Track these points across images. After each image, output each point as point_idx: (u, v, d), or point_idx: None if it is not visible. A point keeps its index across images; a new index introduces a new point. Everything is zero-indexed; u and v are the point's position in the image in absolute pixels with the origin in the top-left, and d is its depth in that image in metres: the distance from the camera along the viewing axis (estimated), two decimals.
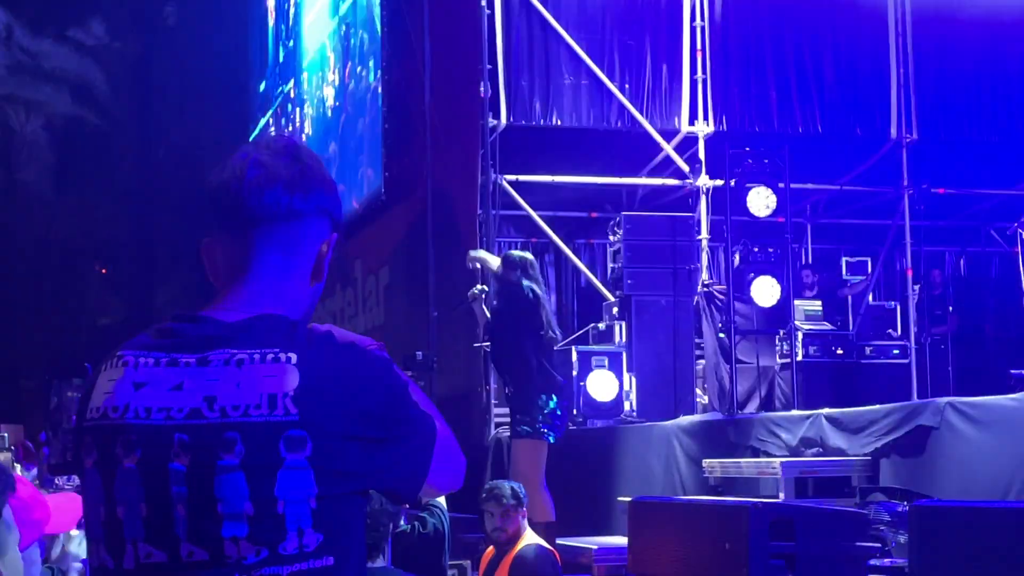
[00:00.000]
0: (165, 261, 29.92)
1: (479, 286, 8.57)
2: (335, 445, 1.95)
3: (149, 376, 2.01)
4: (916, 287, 13.05)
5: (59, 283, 30.54)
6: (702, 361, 12.33)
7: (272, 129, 21.73)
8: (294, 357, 1.97)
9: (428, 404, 2.14)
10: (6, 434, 8.18)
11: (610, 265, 12.92)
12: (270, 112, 22.19)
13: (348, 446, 1.96)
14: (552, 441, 8.00)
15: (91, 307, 31.26)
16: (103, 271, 32.17)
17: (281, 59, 21.62)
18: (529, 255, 8.71)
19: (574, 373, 11.23)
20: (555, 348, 8.57)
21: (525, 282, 8.06)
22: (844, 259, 14.26)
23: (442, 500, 6.76)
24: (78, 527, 3.80)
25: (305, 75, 19.76)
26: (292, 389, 1.94)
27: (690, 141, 13.08)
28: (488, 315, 8.40)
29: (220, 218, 2.12)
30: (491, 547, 6.63)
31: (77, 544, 3.88)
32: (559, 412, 8.08)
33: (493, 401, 11.91)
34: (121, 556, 1.98)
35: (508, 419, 8.52)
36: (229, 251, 2.12)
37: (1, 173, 31.08)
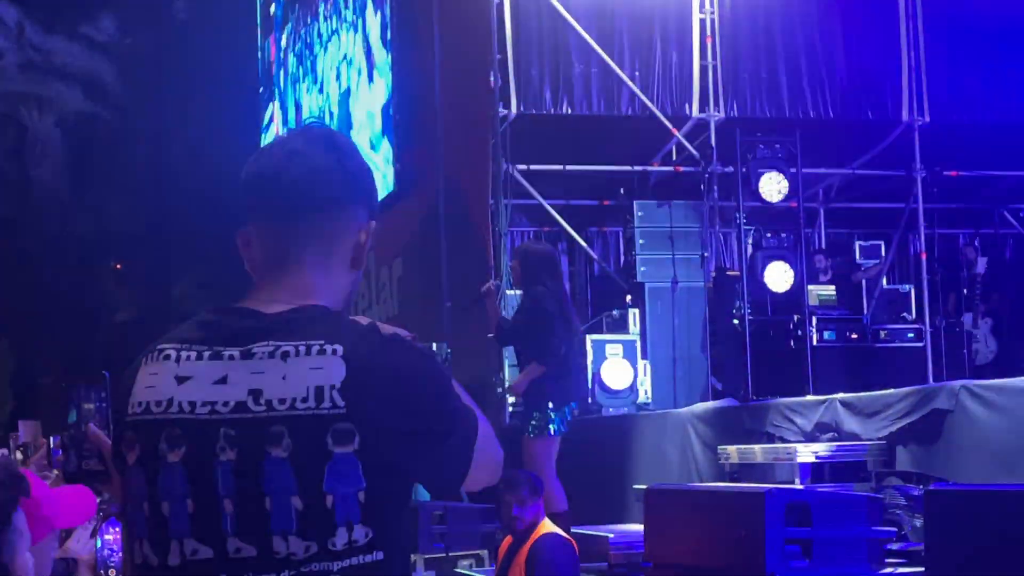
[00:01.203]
0: (180, 256, 29.96)
1: (492, 281, 8.52)
2: (382, 438, 1.92)
3: (192, 370, 1.98)
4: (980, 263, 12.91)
5: (75, 280, 30.62)
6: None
7: (277, 123, 21.75)
8: (340, 349, 1.94)
9: (467, 398, 2.13)
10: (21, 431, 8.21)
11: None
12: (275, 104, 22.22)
13: (395, 439, 1.94)
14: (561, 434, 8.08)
15: (107, 303, 31.34)
16: (118, 267, 32.24)
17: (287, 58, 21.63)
18: (547, 249, 8.69)
19: (588, 361, 11.23)
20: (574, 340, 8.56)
21: (549, 303, 8.00)
22: (857, 243, 14.22)
23: None
24: (89, 521, 3.81)
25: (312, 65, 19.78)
26: (339, 381, 1.92)
27: (701, 127, 13.05)
28: (500, 312, 8.37)
29: (257, 207, 2.10)
30: (508, 536, 6.64)
31: (89, 536, 3.90)
32: (575, 409, 8.12)
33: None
34: (166, 553, 1.95)
35: (519, 408, 8.52)
36: (267, 241, 2.09)
37: (15, 170, 31.14)
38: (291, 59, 21.48)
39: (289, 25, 21.65)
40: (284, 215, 2.07)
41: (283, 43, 22.12)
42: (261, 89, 23.57)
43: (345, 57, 18.05)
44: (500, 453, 2.21)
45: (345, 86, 18.02)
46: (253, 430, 1.92)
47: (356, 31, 17.46)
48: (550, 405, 7.94)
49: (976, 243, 14.17)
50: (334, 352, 1.94)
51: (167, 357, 2.00)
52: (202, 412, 1.94)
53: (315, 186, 2.06)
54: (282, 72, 22.11)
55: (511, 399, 11.36)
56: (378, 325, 2.06)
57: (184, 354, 2.00)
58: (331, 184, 2.07)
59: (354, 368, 1.93)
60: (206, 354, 1.99)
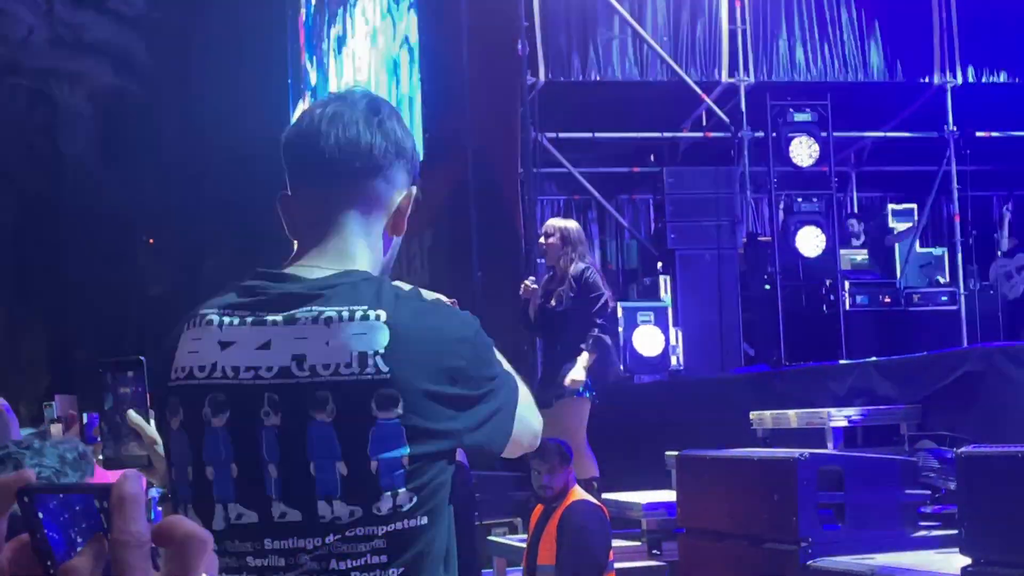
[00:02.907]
0: (212, 230, 30.06)
1: (531, 281, 8.47)
2: (425, 403, 1.93)
3: (235, 335, 1.98)
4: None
5: (107, 254, 30.77)
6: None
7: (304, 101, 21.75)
8: (383, 315, 1.95)
9: (507, 365, 2.14)
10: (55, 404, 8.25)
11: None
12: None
13: (438, 404, 1.94)
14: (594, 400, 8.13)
15: (140, 278, 31.49)
16: (151, 241, 32.38)
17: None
18: (578, 225, 8.69)
19: (620, 329, 11.21)
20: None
21: (600, 282, 8.10)
22: (890, 206, 14.14)
23: None
24: None
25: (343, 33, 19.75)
26: (382, 347, 1.92)
27: (731, 92, 12.97)
28: (534, 309, 8.35)
29: (298, 172, 2.10)
30: (540, 504, 6.65)
31: None
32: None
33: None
34: (211, 517, 1.96)
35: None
36: (308, 206, 2.09)
37: (46, 146, 31.29)
38: (318, 28, 21.47)
39: None
40: (325, 179, 2.08)
41: (312, 8, 22.11)
42: (290, 66, 23.56)
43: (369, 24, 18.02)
44: (539, 420, 2.23)
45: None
46: (297, 395, 1.93)
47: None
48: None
49: (1009, 206, 14.07)
50: (377, 318, 1.95)
51: (210, 322, 2.01)
52: (246, 377, 1.95)
53: (356, 150, 2.06)
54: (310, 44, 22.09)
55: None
56: (420, 291, 2.06)
57: (227, 319, 2.00)
58: (372, 148, 2.08)
59: (397, 334, 1.94)
60: (249, 319, 1.99)
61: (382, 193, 2.10)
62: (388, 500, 1.92)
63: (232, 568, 1.96)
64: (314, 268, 2.04)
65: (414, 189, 2.15)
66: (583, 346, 8.01)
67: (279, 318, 1.97)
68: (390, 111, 2.14)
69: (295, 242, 2.14)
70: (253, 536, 1.94)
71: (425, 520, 1.96)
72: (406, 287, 2.07)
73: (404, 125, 2.16)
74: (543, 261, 8.51)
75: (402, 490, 1.92)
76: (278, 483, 1.93)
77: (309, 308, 1.97)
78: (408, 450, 1.92)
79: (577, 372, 7.98)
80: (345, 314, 1.95)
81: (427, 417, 1.94)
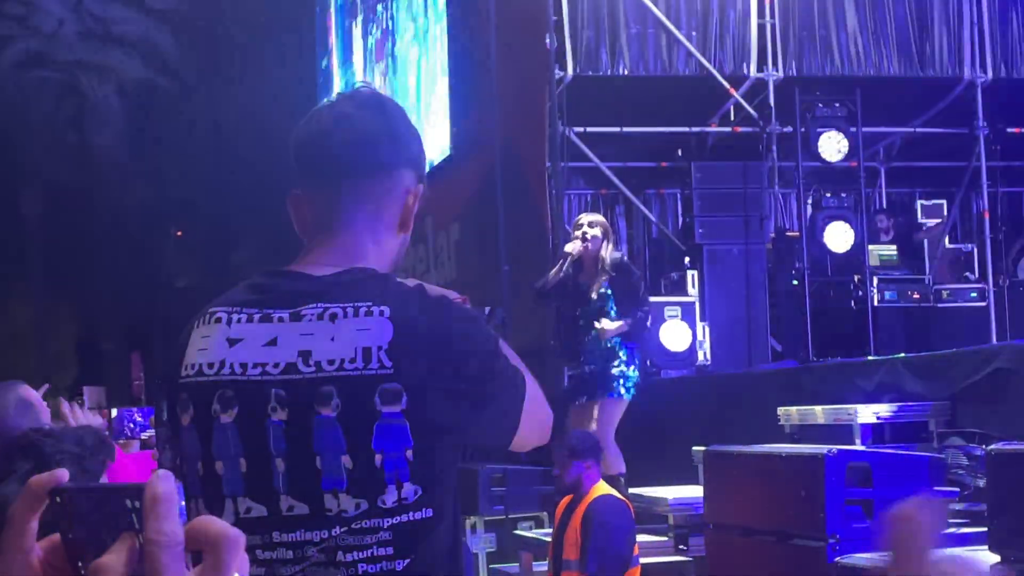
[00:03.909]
0: (240, 222, 30.16)
1: (575, 244, 8.38)
2: (429, 397, 1.95)
3: (243, 332, 2.01)
4: None
5: (135, 247, 30.91)
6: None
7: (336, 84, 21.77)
8: (387, 310, 1.97)
9: (515, 359, 2.15)
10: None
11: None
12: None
13: (442, 398, 1.97)
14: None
15: (167, 270, 31.62)
16: (178, 234, 32.51)
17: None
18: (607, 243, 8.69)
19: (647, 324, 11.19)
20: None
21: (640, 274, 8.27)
22: (919, 202, 14.07)
23: None
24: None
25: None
26: (386, 342, 1.95)
27: (759, 87, 12.92)
28: (564, 270, 8.31)
29: (306, 171, 2.13)
30: (565, 498, 6.65)
31: None
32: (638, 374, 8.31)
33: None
34: (221, 511, 1.99)
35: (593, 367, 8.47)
36: (316, 204, 2.12)
37: (75, 139, 31.45)
38: (348, 23, 21.49)
39: None
40: (332, 179, 2.11)
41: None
42: (319, 54, 23.59)
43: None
44: (549, 415, 2.25)
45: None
46: (303, 390, 1.95)
47: None
48: (634, 373, 8.15)
49: None
50: (381, 313, 1.97)
51: (218, 320, 2.05)
52: (253, 373, 1.99)
53: (363, 150, 2.09)
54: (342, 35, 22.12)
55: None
56: (425, 287, 2.09)
57: (235, 316, 2.04)
58: (379, 148, 2.10)
59: (401, 329, 1.96)
60: (256, 316, 2.03)
61: (390, 191, 2.12)
62: (393, 493, 1.94)
63: None
64: (321, 265, 2.07)
65: (421, 188, 2.17)
66: (626, 320, 8.07)
67: (285, 315, 2.01)
68: (397, 111, 2.17)
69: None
70: (262, 529, 1.97)
71: (431, 512, 1.98)
72: (411, 283, 2.09)
73: (411, 125, 2.19)
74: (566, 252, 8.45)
75: (407, 483, 1.95)
76: (285, 477, 1.96)
77: (315, 305, 2.00)
78: (412, 443, 1.94)
79: (612, 327, 8.03)
80: (350, 310, 1.98)
81: (431, 411, 1.96)
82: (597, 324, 8.01)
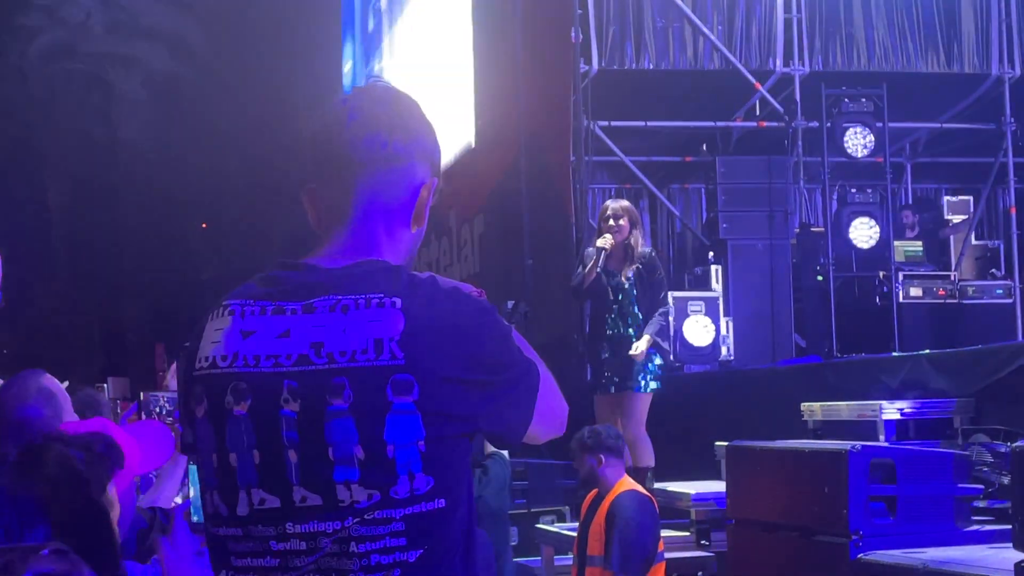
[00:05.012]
0: (266, 215, 30.23)
1: (607, 239, 8.35)
2: (441, 388, 1.96)
3: (256, 324, 2.03)
4: None
5: (161, 239, 31.02)
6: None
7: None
8: (399, 302, 1.98)
9: (530, 351, 2.15)
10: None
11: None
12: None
13: (454, 389, 1.97)
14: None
15: (193, 262, 31.73)
16: (204, 226, 32.61)
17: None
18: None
19: (671, 319, 11.18)
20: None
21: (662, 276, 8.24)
22: (945, 198, 14.02)
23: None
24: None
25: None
26: (398, 333, 1.96)
27: (785, 82, 12.88)
28: (598, 271, 8.29)
29: (321, 165, 2.14)
30: (591, 492, 6.65)
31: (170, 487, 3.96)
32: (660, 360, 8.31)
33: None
34: (235, 503, 2.01)
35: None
36: (330, 198, 2.13)
37: (102, 131, 31.57)
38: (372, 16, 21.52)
39: None
40: (345, 172, 2.11)
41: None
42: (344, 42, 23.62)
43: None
44: (564, 407, 2.24)
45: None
46: (315, 382, 1.96)
47: None
48: (658, 362, 8.15)
49: None
50: (393, 305, 1.98)
51: (231, 312, 2.06)
52: (266, 365, 2.00)
53: (376, 144, 2.10)
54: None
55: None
56: (438, 278, 2.09)
57: (248, 309, 2.05)
58: (392, 141, 2.11)
59: (412, 320, 1.97)
60: (269, 309, 2.04)
61: (403, 185, 2.13)
62: (406, 484, 1.95)
63: (256, 552, 2.00)
64: (333, 257, 2.09)
65: (435, 181, 2.17)
66: (649, 331, 8.07)
67: (298, 307, 2.02)
68: (411, 104, 2.18)
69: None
70: (276, 520, 1.97)
71: (443, 503, 1.98)
72: (424, 275, 2.09)
73: (425, 119, 2.19)
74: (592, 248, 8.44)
75: (419, 474, 1.95)
76: (298, 468, 1.96)
77: (327, 297, 2.01)
78: (425, 434, 1.95)
79: (643, 345, 8.04)
80: (361, 301, 1.99)
81: (443, 402, 1.96)
82: (632, 352, 8.03)
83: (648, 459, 8.00)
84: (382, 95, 2.16)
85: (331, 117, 2.14)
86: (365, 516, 1.94)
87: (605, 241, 8.19)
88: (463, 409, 1.99)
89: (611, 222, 8.22)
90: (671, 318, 8.41)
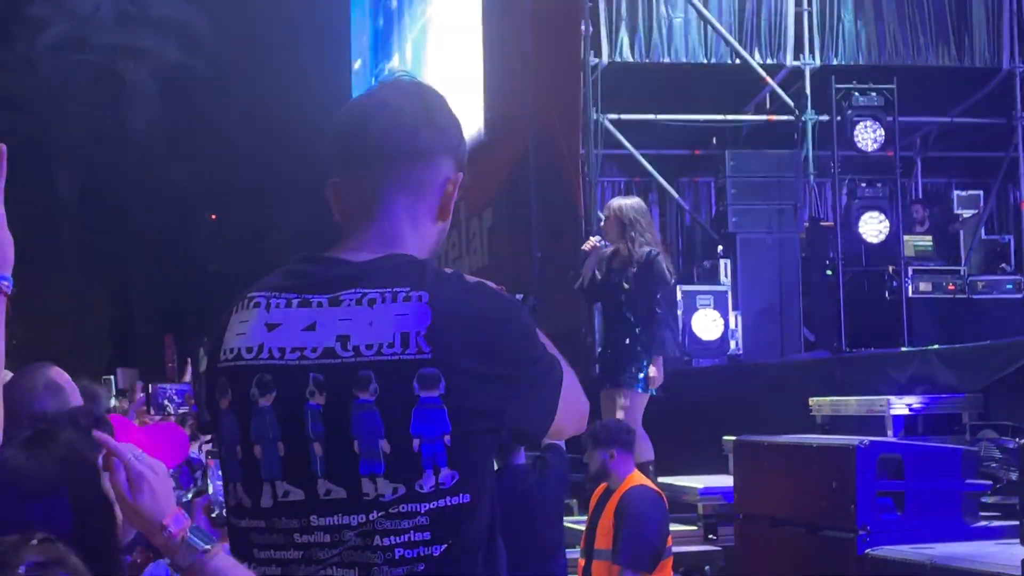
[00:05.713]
0: (275, 206, 30.25)
1: (595, 238, 8.40)
2: (467, 383, 1.96)
3: (282, 317, 2.02)
4: None
5: (170, 230, 31.07)
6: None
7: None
8: (425, 296, 1.98)
9: (552, 347, 2.16)
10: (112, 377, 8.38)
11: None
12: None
13: (479, 384, 1.97)
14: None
15: (202, 253, 31.78)
16: (213, 217, 32.66)
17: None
18: (642, 203, 8.61)
19: (679, 313, 11.17)
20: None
21: (666, 269, 8.10)
22: (955, 192, 13.98)
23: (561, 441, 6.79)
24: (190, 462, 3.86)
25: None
26: (424, 327, 1.95)
27: (795, 75, 12.86)
28: (596, 272, 8.28)
29: (346, 158, 2.13)
30: (600, 486, 6.64)
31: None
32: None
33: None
34: (259, 495, 2.00)
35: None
36: (356, 191, 2.12)
37: (112, 123, 31.60)
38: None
39: None
40: (372, 166, 2.10)
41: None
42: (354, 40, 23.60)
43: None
44: (586, 403, 2.25)
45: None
46: (341, 375, 1.96)
47: None
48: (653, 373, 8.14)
49: None
50: (420, 299, 1.98)
51: (257, 305, 2.05)
52: (291, 358, 1.99)
53: (403, 137, 2.09)
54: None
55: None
56: (463, 274, 2.08)
57: (274, 301, 2.04)
58: (419, 135, 2.10)
59: (439, 314, 1.97)
60: (295, 301, 2.03)
61: (429, 179, 2.13)
62: (431, 478, 1.94)
63: (280, 545, 1.99)
64: (360, 251, 2.08)
65: (461, 176, 2.17)
66: (648, 351, 8.01)
67: (324, 300, 2.01)
68: (438, 98, 2.17)
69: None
70: (300, 513, 1.97)
71: (468, 498, 1.98)
72: (449, 270, 2.09)
73: (452, 113, 2.18)
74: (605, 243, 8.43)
75: (444, 468, 1.95)
76: (323, 461, 1.96)
77: (353, 290, 2.00)
78: (450, 428, 1.94)
79: (656, 374, 8.00)
80: (388, 295, 1.98)
81: (469, 396, 1.96)
82: (650, 386, 8.01)
83: (647, 453, 7.99)
84: (409, 89, 2.16)
85: (357, 110, 2.14)
86: (390, 510, 1.94)
87: (587, 244, 8.28)
88: (489, 404, 1.99)
89: (602, 223, 8.32)
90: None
